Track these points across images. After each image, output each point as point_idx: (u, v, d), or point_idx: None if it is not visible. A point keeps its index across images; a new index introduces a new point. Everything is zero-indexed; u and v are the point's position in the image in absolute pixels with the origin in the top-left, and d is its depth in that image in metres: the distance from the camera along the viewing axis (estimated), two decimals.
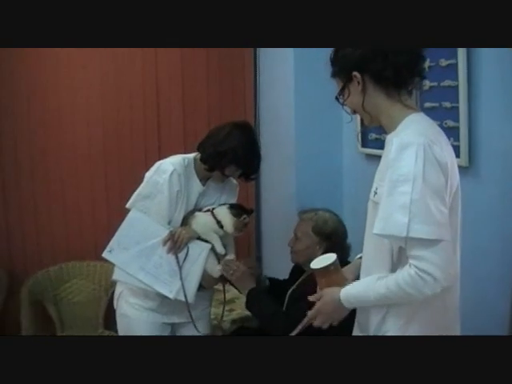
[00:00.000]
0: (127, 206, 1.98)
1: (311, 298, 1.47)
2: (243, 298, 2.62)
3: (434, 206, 1.21)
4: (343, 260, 1.97)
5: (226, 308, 2.24)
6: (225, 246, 2.03)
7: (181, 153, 2.06)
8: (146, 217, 1.94)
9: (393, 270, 1.31)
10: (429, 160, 1.23)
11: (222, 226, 1.96)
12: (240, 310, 2.53)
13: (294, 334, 1.52)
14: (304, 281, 2.06)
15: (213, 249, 1.98)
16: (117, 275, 1.97)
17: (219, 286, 2.15)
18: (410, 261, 1.25)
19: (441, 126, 1.96)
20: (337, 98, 1.42)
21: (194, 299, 1.94)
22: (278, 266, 2.49)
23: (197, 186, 2.00)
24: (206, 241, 1.98)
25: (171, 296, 1.91)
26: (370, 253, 1.40)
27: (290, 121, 2.74)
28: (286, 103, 2.76)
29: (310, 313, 1.45)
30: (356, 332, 1.46)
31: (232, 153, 1.90)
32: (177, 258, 1.91)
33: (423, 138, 1.25)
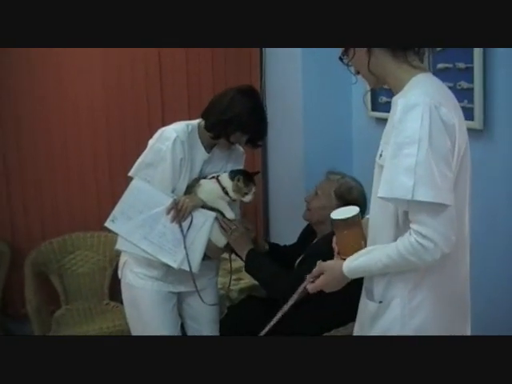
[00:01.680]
0: (130, 174, 2.01)
1: (311, 276, 1.48)
2: None
3: (437, 169, 1.23)
4: None
5: (234, 277, 2.29)
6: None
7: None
8: (149, 185, 1.96)
9: (398, 234, 1.33)
10: (435, 121, 1.24)
11: (227, 193, 1.99)
12: (248, 279, 2.59)
13: (290, 303, 1.53)
14: (317, 243, 2.10)
15: (217, 218, 2.01)
16: (120, 245, 2.01)
17: (226, 256, 2.19)
18: (411, 225, 1.27)
19: (454, 87, 1.97)
20: (341, 59, 1.43)
21: (199, 269, 1.98)
22: (286, 232, 2.54)
23: (201, 153, 2.02)
24: (212, 209, 2.01)
25: (175, 265, 1.94)
26: (376, 217, 1.43)
27: (297, 85, 2.74)
28: (292, 67, 2.75)
29: (310, 286, 1.48)
30: (363, 298, 1.49)
31: (237, 119, 1.91)
32: (181, 226, 1.94)
33: (429, 99, 1.25)
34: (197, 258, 1.96)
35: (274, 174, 3.17)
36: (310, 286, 1.48)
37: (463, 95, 1.93)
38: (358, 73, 1.44)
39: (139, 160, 2.01)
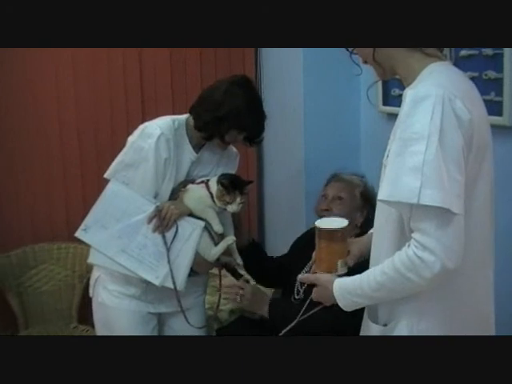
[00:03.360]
0: (106, 175, 2.02)
1: (302, 279, 1.54)
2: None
3: (446, 171, 1.23)
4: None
5: (224, 296, 2.30)
6: (223, 226, 2.07)
7: None
8: (127, 189, 1.97)
9: (402, 245, 1.33)
10: (447, 116, 1.25)
11: (215, 200, 2.00)
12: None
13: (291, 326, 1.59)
14: None
15: (207, 227, 2.03)
16: (93, 258, 2.01)
17: (215, 271, 2.21)
18: (413, 235, 1.27)
19: (479, 78, 2.00)
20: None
21: (185, 286, 1.99)
22: (283, 243, 2.55)
23: (189, 153, 2.03)
24: (200, 218, 2.03)
25: (157, 282, 1.95)
26: (380, 225, 1.45)
27: (297, 76, 2.77)
28: (292, 55, 2.78)
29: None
30: (365, 320, 1.51)
31: (233, 116, 1.92)
32: (164, 237, 1.95)
33: (442, 90, 1.26)
34: (182, 273, 1.97)
35: (270, 177, 3.22)
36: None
37: (490, 86, 1.96)
38: (365, 62, 1.46)
39: (117, 160, 2.01)
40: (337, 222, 1.53)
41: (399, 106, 1.41)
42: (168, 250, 1.94)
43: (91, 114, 2.99)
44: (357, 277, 1.38)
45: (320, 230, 1.51)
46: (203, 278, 2.20)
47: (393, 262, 1.29)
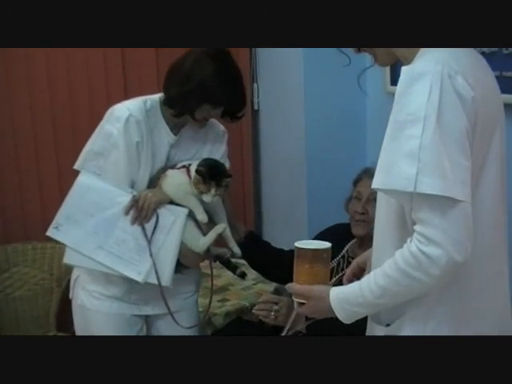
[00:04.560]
0: (76, 166, 2.02)
1: (291, 288, 1.49)
2: (239, 285, 2.75)
3: (448, 155, 1.22)
4: None
5: (218, 297, 2.33)
6: (213, 213, 2.07)
7: None
8: (100, 180, 1.97)
9: (405, 238, 1.32)
10: (447, 94, 1.24)
11: None
12: (235, 299, 2.65)
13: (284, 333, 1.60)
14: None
15: (193, 215, 2.02)
16: (69, 258, 2.01)
17: (208, 270, 2.23)
18: (415, 227, 1.26)
19: (500, 53, 2.01)
20: None
21: (172, 282, 1.98)
22: (282, 236, 2.57)
23: (166, 135, 2.02)
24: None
25: (140, 279, 1.95)
26: (380, 218, 1.45)
27: (297, 53, 2.80)
28: None
29: (299, 310, 1.51)
30: (369, 321, 1.52)
31: (202, 89, 1.90)
32: (143, 229, 1.95)
33: (441, 66, 1.25)
34: (167, 267, 1.97)
35: (268, 166, 3.26)
36: (299, 309, 1.50)
37: (509, 61, 1.98)
38: (358, 50, 1.48)
39: (86, 148, 2.01)
40: (317, 244, 1.52)
41: None
42: (149, 242, 1.95)
43: (67, 110, 3.02)
44: (355, 284, 1.38)
45: (302, 249, 1.50)
46: (194, 277, 2.20)
47: (395, 261, 1.28)
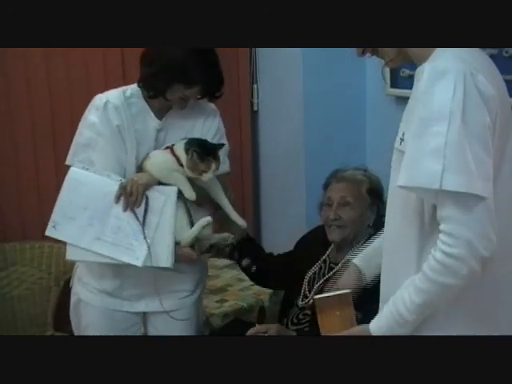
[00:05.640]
0: (67, 162, 2.04)
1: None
2: (237, 286, 2.76)
3: (471, 152, 1.24)
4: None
5: (216, 298, 2.33)
6: (210, 191, 2.04)
7: None
8: (88, 173, 1.98)
9: (423, 238, 1.34)
10: (470, 92, 1.26)
11: (182, 164, 1.97)
12: (234, 300, 2.66)
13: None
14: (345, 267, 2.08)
15: (183, 200, 1.99)
16: (70, 254, 2.03)
17: (209, 271, 2.22)
18: (440, 227, 1.28)
19: (499, 55, 2.04)
20: None
21: (173, 263, 1.94)
22: (281, 236, 2.57)
23: (152, 121, 2.03)
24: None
25: (139, 263, 1.93)
26: (395, 217, 1.45)
27: (296, 53, 2.80)
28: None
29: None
30: None
31: (170, 66, 1.90)
32: (135, 214, 1.95)
33: (464, 65, 1.28)
34: (165, 248, 1.95)
35: (267, 166, 3.26)
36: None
37: (509, 64, 2.00)
38: (362, 52, 1.47)
39: (73, 142, 2.02)
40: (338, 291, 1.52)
41: (410, 87, 1.43)
42: (142, 225, 1.95)
43: (66, 109, 2.99)
44: (389, 309, 1.37)
45: (323, 299, 1.49)
46: (192, 276, 2.17)
47: (425, 275, 1.30)
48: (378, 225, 2.11)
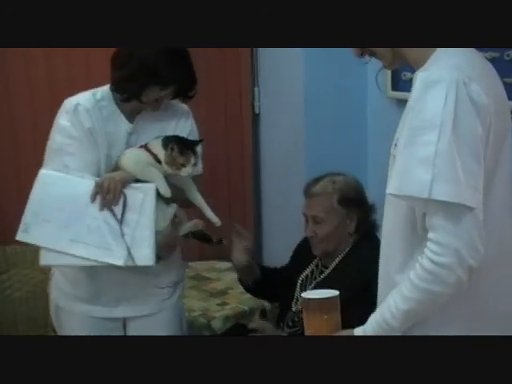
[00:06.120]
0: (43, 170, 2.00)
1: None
2: (238, 289, 2.76)
3: (461, 162, 1.25)
4: (373, 223, 2.12)
5: (217, 301, 2.34)
6: (185, 190, 2.04)
7: None
8: (59, 173, 1.93)
9: (415, 244, 1.34)
10: (462, 102, 1.26)
11: (159, 161, 1.96)
12: (235, 303, 2.66)
13: None
14: (336, 270, 2.14)
15: (160, 196, 1.97)
16: (45, 259, 1.97)
17: (208, 274, 2.22)
18: (428, 235, 1.28)
19: (500, 58, 2.05)
20: None
21: (154, 260, 1.91)
22: (282, 244, 2.57)
23: (123, 124, 2.00)
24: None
25: (121, 263, 1.89)
26: (388, 222, 1.46)
27: (297, 58, 2.80)
28: None
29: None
30: None
31: (144, 68, 1.88)
32: (113, 212, 1.90)
33: (457, 73, 1.28)
34: (146, 246, 1.90)
35: (268, 168, 3.26)
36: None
37: (510, 67, 2.00)
38: (361, 54, 1.47)
39: (47, 148, 2.00)
40: (325, 293, 1.51)
41: (410, 91, 1.44)
42: (120, 224, 1.90)
43: None
44: (376, 316, 1.38)
45: (312, 301, 1.48)
46: (171, 277, 2.13)
47: (412, 283, 1.30)
48: (360, 230, 2.13)
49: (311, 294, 1.53)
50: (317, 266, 2.23)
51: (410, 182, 1.28)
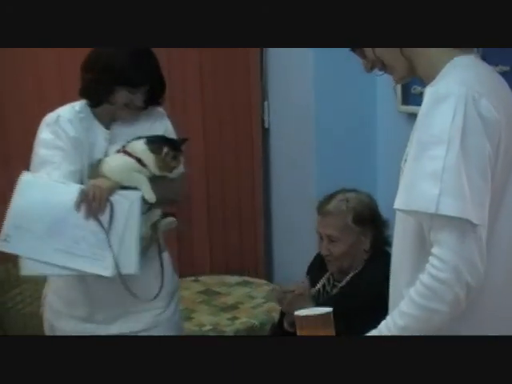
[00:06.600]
0: None
1: None
2: (249, 303, 2.76)
3: (467, 178, 1.24)
4: (387, 240, 2.09)
5: (228, 315, 2.33)
6: None
7: None
8: (42, 179, 1.89)
9: (423, 260, 1.31)
10: (471, 117, 1.26)
11: (144, 165, 1.92)
12: (246, 317, 2.65)
13: None
14: (349, 285, 2.12)
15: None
16: (26, 269, 1.90)
17: (217, 288, 2.22)
18: (432, 250, 1.27)
19: (511, 72, 2.03)
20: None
21: (140, 269, 1.88)
22: (293, 259, 2.55)
23: (101, 132, 2.00)
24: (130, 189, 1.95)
25: (109, 274, 1.85)
26: (398, 235, 1.45)
27: (307, 72, 2.82)
28: (301, 52, 2.81)
29: None
30: None
31: (110, 69, 1.88)
32: (99, 221, 1.86)
33: (466, 89, 1.27)
34: (133, 254, 1.87)
35: (278, 183, 3.27)
36: None
37: None
38: (371, 67, 1.47)
39: (31, 164, 1.96)
40: (318, 310, 1.51)
41: (421, 104, 1.44)
42: (107, 233, 1.85)
43: None
44: (375, 331, 1.37)
45: (307, 317, 1.48)
46: (166, 290, 2.09)
47: (410, 298, 1.29)
48: (376, 246, 2.12)
49: (304, 311, 1.52)
50: (329, 280, 2.22)
51: (417, 197, 1.27)
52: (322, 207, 2.17)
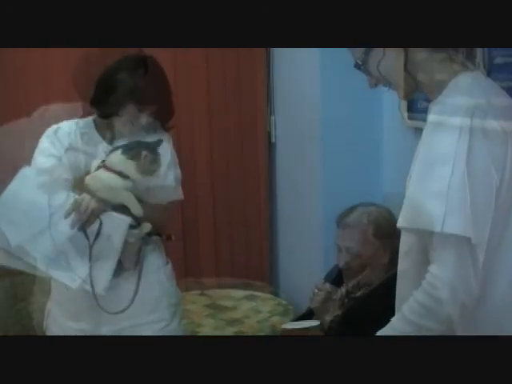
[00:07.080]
0: None
1: None
2: (254, 318, 2.75)
3: (471, 196, 1.24)
4: None
5: (234, 330, 2.31)
6: None
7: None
8: (29, 184, 1.92)
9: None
10: (476, 136, 1.25)
11: (126, 177, 1.94)
12: (251, 332, 2.63)
13: None
14: (368, 297, 2.10)
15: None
16: None
17: (226, 303, 2.20)
18: (428, 268, 1.27)
19: None
20: (358, 66, 1.47)
21: (106, 290, 1.92)
22: (299, 275, 2.56)
23: (101, 146, 2.05)
24: (122, 209, 1.96)
25: (74, 286, 1.90)
26: (402, 252, 1.45)
27: (313, 88, 2.83)
28: (308, 67, 2.84)
29: None
30: None
31: (124, 82, 1.94)
32: (85, 234, 1.88)
33: (471, 106, 1.27)
34: (105, 275, 1.91)
35: (283, 198, 3.27)
36: None
37: None
38: (375, 83, 1.47)
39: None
40: (306, 323, 1.54)
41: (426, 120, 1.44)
42: (91, 248, 1.88)
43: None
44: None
45: (293, 331, 1.52)
46: (165, 303, 2.11)
47: (402, 314, 1.29)
48: (395, 260, 2.09)
49: (292, 324, 1.52)
50: (347, 292, 2.20)
51: (422, 216, 1.27)
52: (341, 220, 2.16)
